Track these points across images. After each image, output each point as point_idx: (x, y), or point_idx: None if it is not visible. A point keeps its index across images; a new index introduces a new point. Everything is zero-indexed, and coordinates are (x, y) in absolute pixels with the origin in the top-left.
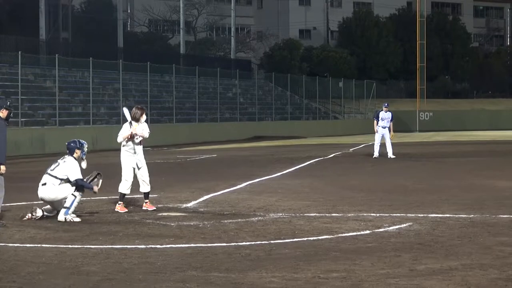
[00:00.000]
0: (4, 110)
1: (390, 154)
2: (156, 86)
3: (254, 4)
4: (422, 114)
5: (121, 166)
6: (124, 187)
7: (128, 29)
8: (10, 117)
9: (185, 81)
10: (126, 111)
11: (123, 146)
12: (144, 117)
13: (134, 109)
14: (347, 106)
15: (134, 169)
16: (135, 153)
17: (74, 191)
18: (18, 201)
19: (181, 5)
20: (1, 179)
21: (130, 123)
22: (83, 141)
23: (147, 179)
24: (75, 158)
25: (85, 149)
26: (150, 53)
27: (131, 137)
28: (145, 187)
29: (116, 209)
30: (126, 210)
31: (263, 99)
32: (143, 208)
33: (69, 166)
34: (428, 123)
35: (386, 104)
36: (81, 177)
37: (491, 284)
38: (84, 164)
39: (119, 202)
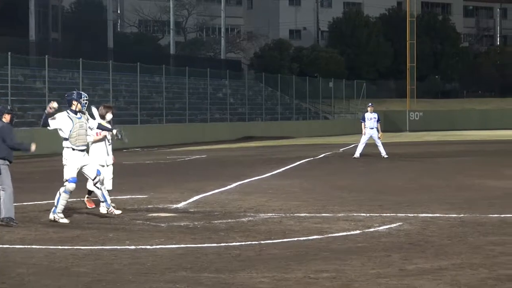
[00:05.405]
0: (7, 115)
1: (383, 154)
2: (146, 87)
3: (244, 5)
4: (412, 114)
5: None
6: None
7: (118, 29)
8: (14, 120)
9: (175, 82)
10: (94, 109)
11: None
12: (109, 115)
13: (100, 107)
14: (337, 106)
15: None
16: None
17: (61, 188)
18: None
19: (171, 6)
20: (6, 177)
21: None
22: (82, 92)
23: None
24: (74, 111)
25: (84, 101)
26: (140, 54)
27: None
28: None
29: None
30: (94, 206)
31: (253, 100)
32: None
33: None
34: (418, 123)
35: (370, 104)
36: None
37: (481, 283)
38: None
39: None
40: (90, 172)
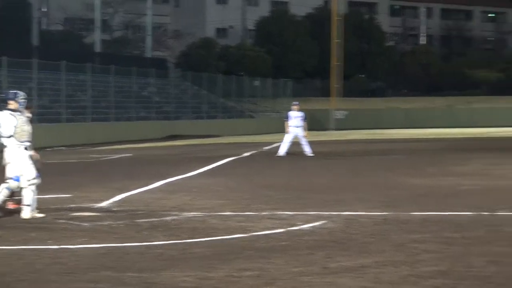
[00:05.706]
0: None
1: (308, 152)
2: (71, 85)
3: (171, 3)
4: (337, 113)
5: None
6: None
7: (44, 27)
8: None
9: (101, 80)
10: None
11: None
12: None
13: None
14: (264, 105)
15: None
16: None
17: (3, 184)
18: None
19: (97, 3)
20: None
21: None
22: (18, 91)
23: None
24: (12, 110)
25: (21, 99)
26: (66, 52)
27: None
28: None
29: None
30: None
31: (179, 98)
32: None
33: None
34: (344, 122)
35: (296, 102)
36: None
37: (403, 280)
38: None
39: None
40: (28, 172)
